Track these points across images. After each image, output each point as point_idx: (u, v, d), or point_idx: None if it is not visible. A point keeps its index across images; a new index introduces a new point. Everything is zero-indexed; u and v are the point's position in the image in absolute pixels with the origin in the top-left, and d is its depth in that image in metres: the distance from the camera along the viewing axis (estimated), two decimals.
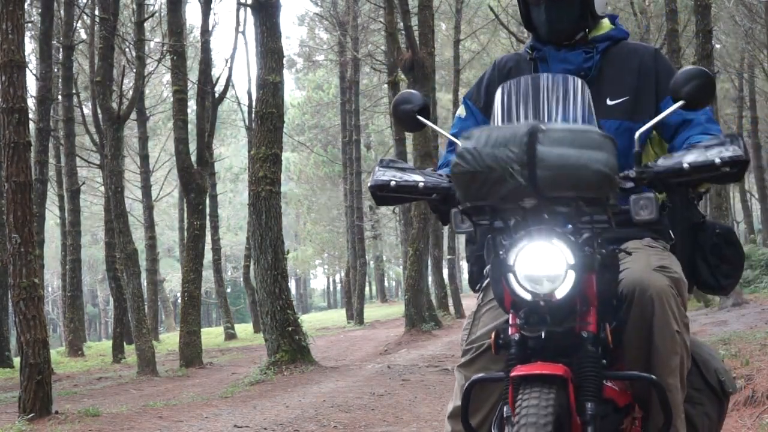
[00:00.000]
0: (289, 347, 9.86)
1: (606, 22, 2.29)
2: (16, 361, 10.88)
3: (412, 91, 2.15)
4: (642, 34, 18.97)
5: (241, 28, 21.13)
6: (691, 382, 2.10)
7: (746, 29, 22.62)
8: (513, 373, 1.65)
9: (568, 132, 1.59)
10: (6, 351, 14.76)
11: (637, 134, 1.83)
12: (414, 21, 15.70)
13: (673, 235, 2.17)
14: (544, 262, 1.62)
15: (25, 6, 9.44)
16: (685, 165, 1.71)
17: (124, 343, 17.29)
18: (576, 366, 1.68)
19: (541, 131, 1.56)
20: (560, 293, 1.62)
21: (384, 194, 1.94)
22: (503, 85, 1.93)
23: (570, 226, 1.66)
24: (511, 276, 1.65)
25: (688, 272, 2.16)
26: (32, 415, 6.51)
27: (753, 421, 4.29)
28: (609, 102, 2.15)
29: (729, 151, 1.69)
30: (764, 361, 5.23)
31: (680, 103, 1.83)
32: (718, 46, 24.09)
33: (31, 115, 12.46)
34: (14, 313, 7.05)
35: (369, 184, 1.94)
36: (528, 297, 1.64)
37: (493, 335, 1.76)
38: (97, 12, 14.23)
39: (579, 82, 1.89)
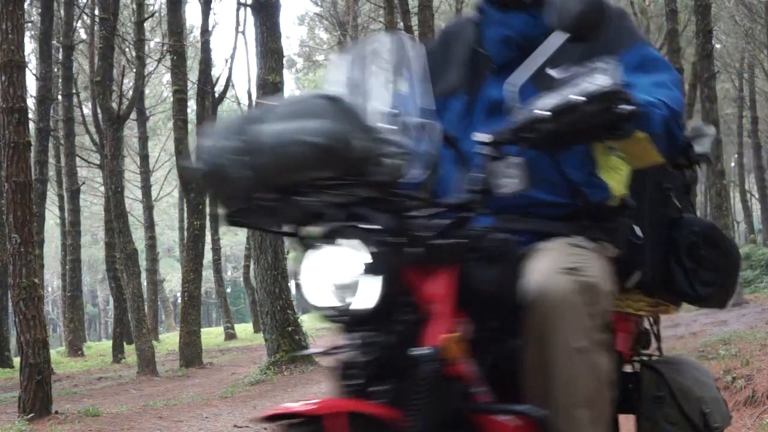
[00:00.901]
0: (289, 347, 9.86)
1: None
2: (16, 361, 10.86)
3: None
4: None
5: (241, 28, 21.20)
6: (665, 414, 1.76)
7: (746, 29, 22.66)
8: (261, 414, 1.30)
9: (296, 103, 1.30)
10: (6, 351, 14.76)
11: (512, 84, 1.48)
12: (414, 21, 15.68)
13: (641, 234, 1.77)
14: (332, 270, 1.32)
15: (25, 6, 9.44)
16: (540, 112, 1.35)
17: (124, 343, 17.28)
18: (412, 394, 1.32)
19: (268, 110, 1.29)
20: (359, 304, 1.30)
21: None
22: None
23: (377, 218, 1.32)
24: (301, 296, 1.36)
25: (661, 278, 1.82)
26: (32, 415, 6.51)
27: (753, 421, 4.28)
28: (555, 75, 1.57)
29: (594, 83, 1.32)
30: (764, 361, 5.21)
31: (564, 35, 1.51)
32: (718, 46, 24.08)
33: (31, 115, 12.45)
34: (14, 313, 7.05)
35: None
36: (331, 314, 1.33)
37: (341, 367, 1.40)
38: (97, 12, 14.23)
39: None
